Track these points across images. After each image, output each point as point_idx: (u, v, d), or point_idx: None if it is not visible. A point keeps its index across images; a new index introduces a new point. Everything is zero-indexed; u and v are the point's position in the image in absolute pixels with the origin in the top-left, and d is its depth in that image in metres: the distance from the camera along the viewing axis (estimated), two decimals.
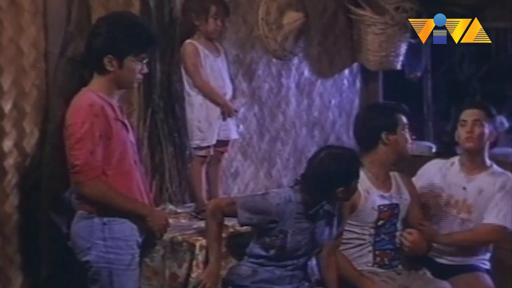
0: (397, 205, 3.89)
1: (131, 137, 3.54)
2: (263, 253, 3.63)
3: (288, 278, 3.66)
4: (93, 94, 3.37)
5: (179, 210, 4.30)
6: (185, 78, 4.15)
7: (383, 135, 3.86)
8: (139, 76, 3.48)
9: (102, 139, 3.30)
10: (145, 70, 3.49)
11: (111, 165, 3.36)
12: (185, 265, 3.72)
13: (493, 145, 4.25)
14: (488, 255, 4.17)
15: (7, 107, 3.79)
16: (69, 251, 3.52)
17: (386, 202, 3.87)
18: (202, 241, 3.72)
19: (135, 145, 3.58)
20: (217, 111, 4.15)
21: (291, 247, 3.60)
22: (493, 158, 4.47)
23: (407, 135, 3.92)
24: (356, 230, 3.87)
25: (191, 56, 4.10)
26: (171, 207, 4.33)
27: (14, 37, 3.79)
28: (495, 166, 4.18)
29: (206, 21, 4.12)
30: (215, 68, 4.17)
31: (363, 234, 3.87)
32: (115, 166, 3.37)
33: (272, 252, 3.61)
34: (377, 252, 3.87)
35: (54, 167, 3.77)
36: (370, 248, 3.87)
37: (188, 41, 4.14)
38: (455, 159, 4.15)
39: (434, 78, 6.46)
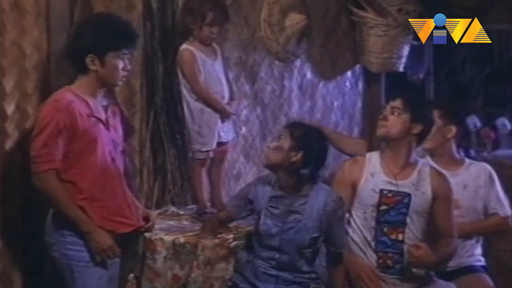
0: (408, 195, 3.78)
1: (112, 135, 3.56)
2: (253, 239, 3.71)
3: (273, 278, 3.63)
4: (66, 92, 3.44)
5: (181, 212, 4.30)
6: (182, 83, 4.14)
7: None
8: (123, 73, 3.50)
9: (62, 134, 3.35)
10: (128, 67, 3.52)
11: (73, 159, 3.40)
12: (187, 267, 3.72)
13: (496, 146, 4.25)
14: (480, 250, 4.19)
15: (10, 109, 3.79)
16: None
17: (393, 188, 3.80)
18: (204, 242, 3.73)
19: (117, 143, 3.60)
20: (216, 116, 4.15)
21: (262, 231, 3.61)
22: (495, 159, 4.49)
23: None
24: (359, 213, 3.83)
25: (188, 63, 4.08)
26: (173, 208, 4.33)
27: (16, 39, 3.80)
28: (467, 159, 4.25)
29: (201, 27, 4.09)
30: (213, 73, 4.16)
31: (366, 218, 3.81)
32: (80, 161, 3.41)
33: (255, 237, 3.67)
34: (380, 254, 3.82)
35: None
36: (373, 243, 3.79)
37: (183, 46, 4.12)
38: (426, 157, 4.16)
39: (436, 80, 6.47)
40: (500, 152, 5.97)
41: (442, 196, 3.83)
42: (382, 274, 3.80)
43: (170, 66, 4.31)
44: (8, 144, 3.80)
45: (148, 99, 4.34)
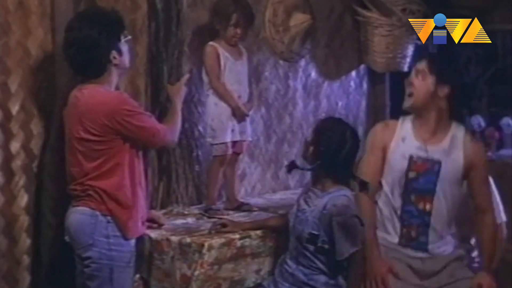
0: (438, 162, 3.63)
1: None
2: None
3: (290, 277, 3.68)
4: (103, 89, 3.56)
5: (186, 212, 4.31)
6: (204, 77, 4.27)
7: None
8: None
9: None
10: (131, 45, 3.79)
11: (107, 162, 3.56)
12: (194, 266, 3.72)
13: (500, 146, 4.19)
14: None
15: (15, 108, 3.79)
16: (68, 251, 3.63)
17: (423, 154, 3.66)
18: (210, 241, 3.73)
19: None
20: (228, 111, 4.24)
21: (290, 218, 3.76)
22: (499, 159, 4.46)
23: None
24: (388, 179, 3.72)
25: (209, 57, 4.23)
26: (178, 208, 4.34)
27: (21, 39, 3.80)
28: None
29: (226, 28, 4.23)
30: (234, 71, 4.27)
31: (394, 184, 3.68)
32: (113, 163, 3.57)
33: None
34: (405, 223, 3.68)
35: (52, 170, 3.84)
36: (399, 212, 3.67)
37: (210, 43, 4.26)
38: None
39: None
40: (504, 152, 5.96)
41: (476, 165, 3.69)
42: (405, 250, 3.69)
43: (176, 66, 4.32)
44: (13, 144, 3.80)
45: (153, 99, 4.34)
